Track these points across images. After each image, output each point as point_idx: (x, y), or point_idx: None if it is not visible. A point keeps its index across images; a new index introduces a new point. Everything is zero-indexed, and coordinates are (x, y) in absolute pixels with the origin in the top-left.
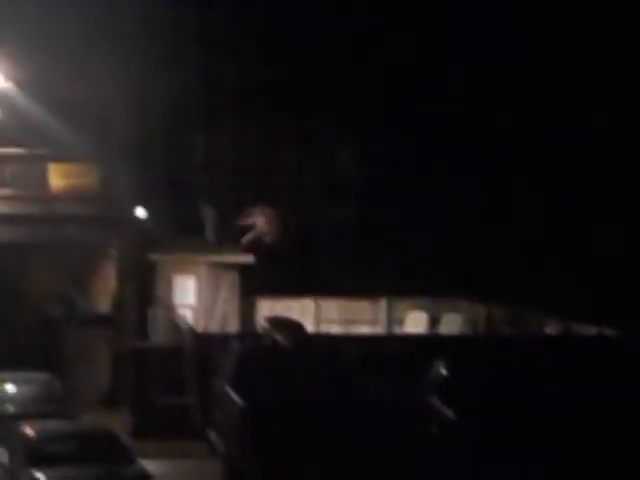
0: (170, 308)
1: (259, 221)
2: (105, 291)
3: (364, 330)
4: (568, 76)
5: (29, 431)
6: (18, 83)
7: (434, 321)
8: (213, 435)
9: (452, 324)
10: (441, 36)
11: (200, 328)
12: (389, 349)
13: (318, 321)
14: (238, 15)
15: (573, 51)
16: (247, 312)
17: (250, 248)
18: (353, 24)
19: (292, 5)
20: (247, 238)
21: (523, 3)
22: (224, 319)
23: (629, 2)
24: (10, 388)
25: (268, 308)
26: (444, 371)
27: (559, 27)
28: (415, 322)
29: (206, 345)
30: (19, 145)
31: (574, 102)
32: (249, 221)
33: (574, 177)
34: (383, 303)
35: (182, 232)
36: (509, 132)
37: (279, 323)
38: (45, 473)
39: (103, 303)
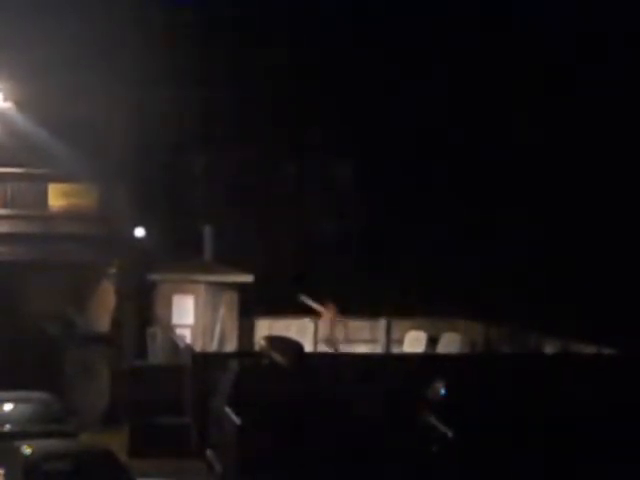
0: (169, 327)
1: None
2: (104, 310)
3: (363, 350)
4: None
5: (27, 450)
6: (17, 103)
7: (433, 341)
8: (211, 454)
9: (451, 344)
10: (440, 50)
11: (198, 347)
12: (388, 368)
13: (317, 341)
14: (237, 31)
15: None
16: (245, 331)
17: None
18: (352, 41)
19: (292, 22)
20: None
21: None
22: (222, 338)
23: None
24: (8, 407)
25: (266, 327)
26: (443, 390)
27: None
28: (414, 342)
29: (204, 364)
30: (19, 165)
31: None
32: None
33: (576, 196)
34: (382, 323)
35: (181, 251)
36: (509, 149)
37: (277, 342)
38: None
39: (102, 322)
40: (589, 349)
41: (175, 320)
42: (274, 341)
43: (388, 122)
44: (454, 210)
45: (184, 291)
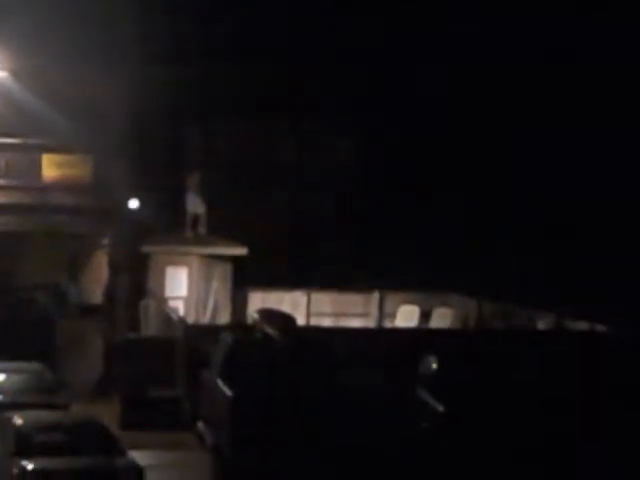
0: (162, 299)
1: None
2: (97, 282)
3: (355, 323)
4: None
5: (19, 421)
6: (14, 73)
7: (425, 315)
8: (202, 426)
9: (443, 318)
10: (437, 36)
11: (191, 320)
12: (380, 342)
13: (309, 314)
14: (237, 11)
15: None
16: (238, 304)
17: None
18: (351, 24)
19: (292, 3)
20: None
21: None
22: (215, 311)
23: None
24: (1, 378)
25: (259, 300)
26: (434, 365)
27: None
28: (406, 316)
29: (197, 337)
30: (13, 135)
31: None
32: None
33: (567, 175)
34: (375, 297)
35: (175, 224)
36: (507, 130)
37: (270, 315)
38: (34, 463)
39: (95, 294)
40: (582, 325)
41: (168, 292)
42: (267, 314)
43: (389, 98)
44: (452, 187)
45: (177, 263)
